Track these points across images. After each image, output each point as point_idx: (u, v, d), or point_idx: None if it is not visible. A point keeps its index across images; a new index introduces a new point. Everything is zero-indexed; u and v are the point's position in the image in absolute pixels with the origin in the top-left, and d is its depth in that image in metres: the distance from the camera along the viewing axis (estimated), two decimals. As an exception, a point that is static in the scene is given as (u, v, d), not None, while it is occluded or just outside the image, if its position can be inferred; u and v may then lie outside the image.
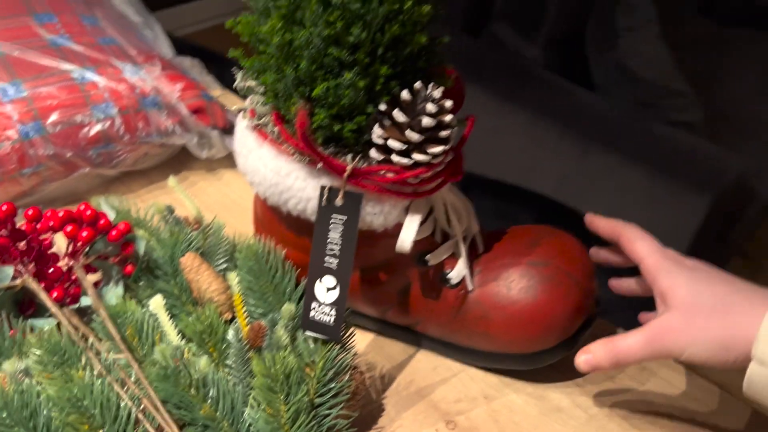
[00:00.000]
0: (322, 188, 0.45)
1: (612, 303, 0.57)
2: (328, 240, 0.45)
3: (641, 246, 0.49)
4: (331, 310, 0.45)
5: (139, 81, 0.66)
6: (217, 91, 0.77)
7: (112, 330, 0.47)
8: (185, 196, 0.61)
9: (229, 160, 0.73)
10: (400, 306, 0.53)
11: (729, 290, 0.45)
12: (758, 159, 1.72)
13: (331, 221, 0.45)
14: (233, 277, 0.53)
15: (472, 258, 0.52)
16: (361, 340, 0.56)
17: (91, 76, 0.64)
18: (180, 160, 0.73)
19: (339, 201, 0.45)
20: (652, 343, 0.45)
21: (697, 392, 0.53)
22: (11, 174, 0.61)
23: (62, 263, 0.52)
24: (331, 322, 0.45)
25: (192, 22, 2.57)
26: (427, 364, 0.55)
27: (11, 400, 0.39)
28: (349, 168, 0.44)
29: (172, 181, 0.62)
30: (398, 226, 0.49)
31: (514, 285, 0.50)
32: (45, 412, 0.40)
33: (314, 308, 0.46)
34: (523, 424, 0.51)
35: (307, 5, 0.39)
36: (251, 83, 0.49)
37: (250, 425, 0.44)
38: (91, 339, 0.46)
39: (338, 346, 0.47)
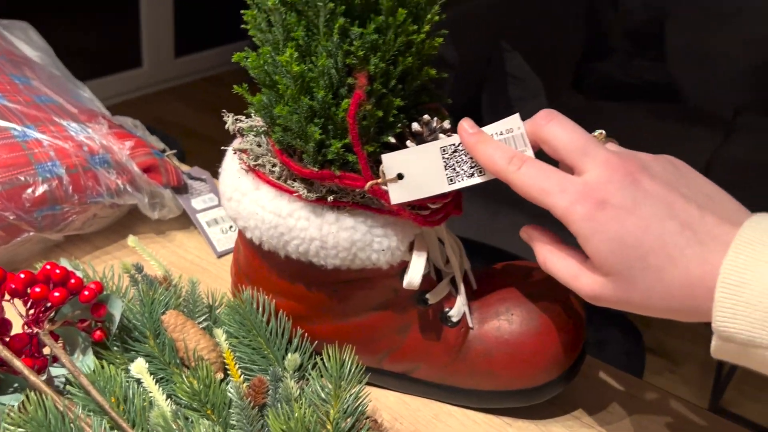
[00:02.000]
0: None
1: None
2: None
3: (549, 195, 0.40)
4: None
5: (86, 139, 0.61)
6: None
7: (100, 399, 0.41)
8: (149, 254, 0.57)
9: (178, 221, 0.69)
10: (399, 351, 0.51)
11: (676, 228, 0.37)
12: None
13: None
14: (220, 334, 0.49)
15: (468, 294, 0.52)
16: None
17: (33, 133, 0.59)
18: (125, 224, 0.68)
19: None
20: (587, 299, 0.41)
21: (694, 417, 0.55)
22: (-57, 241, 0.54)
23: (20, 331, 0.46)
24: None
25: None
26: (427, 413, 0.53)
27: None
28: (368, 185, 0.42)
29: (132, 240, 0.57)
30: (401, 264, 0.47)
31: (516, 318, 0.50)
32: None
33: None
34: (534, 461, 0.50)
35: (325, 36, 0.39)
36: (243, 125, 0.47)
37: (270, 488, 0.40)
38: (78, 410, 0.40)
39: (352, 395, 0.44)
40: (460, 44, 1.75)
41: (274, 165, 0.45)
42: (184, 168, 0.71)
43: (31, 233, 0.58)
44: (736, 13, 2.66)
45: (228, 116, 0.47)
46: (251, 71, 0.41)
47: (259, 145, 0.46)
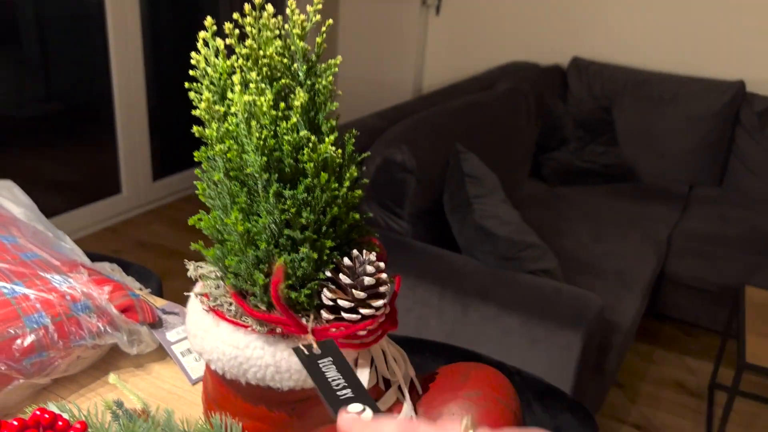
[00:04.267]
0: (296, 349, 0.50)
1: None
2: (330, 378, 0.47)
3: None
4: None
5: (68, 289, 0.69)
6: (138, 290, 0.81)
7: None
8: (128, 389, 0.63)
9: (156, 353, 0.75)
10: (357, 457, 0.57)
11: None
12: (606, 295, 1.94)
13: (321, 365, 0.49)
14: (195, 458, 0.55)
15: (415, 399, 0.58)
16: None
17: (21, 289, 0.67)
18: (107, 361, 0.74)
19: (317, 350, 0.50)
20: None
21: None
22: (-59, 396, 0.60)
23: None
24: None
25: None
26: None
27: None
28: (310, 325, 0.50)
29: (113, 378, 0.64)
30: (349, 379, 0.54)
31: (456, 417, 0.57)
32: None
33: None
34: None
35: (263, 199, 0.48)
36: (203, 271, 0.55)
37: None
38: None
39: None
40: (418, 150, 1.87)
41: (230, 304, 0.53)
42: (159, 303, 0.78)
43: (21, 380, 0.64)
44: (674, 96, 2.86)
45: (190, 264, 0.55)
46: (204, 231, 0.50)
47: (217, 287, 0.54)
